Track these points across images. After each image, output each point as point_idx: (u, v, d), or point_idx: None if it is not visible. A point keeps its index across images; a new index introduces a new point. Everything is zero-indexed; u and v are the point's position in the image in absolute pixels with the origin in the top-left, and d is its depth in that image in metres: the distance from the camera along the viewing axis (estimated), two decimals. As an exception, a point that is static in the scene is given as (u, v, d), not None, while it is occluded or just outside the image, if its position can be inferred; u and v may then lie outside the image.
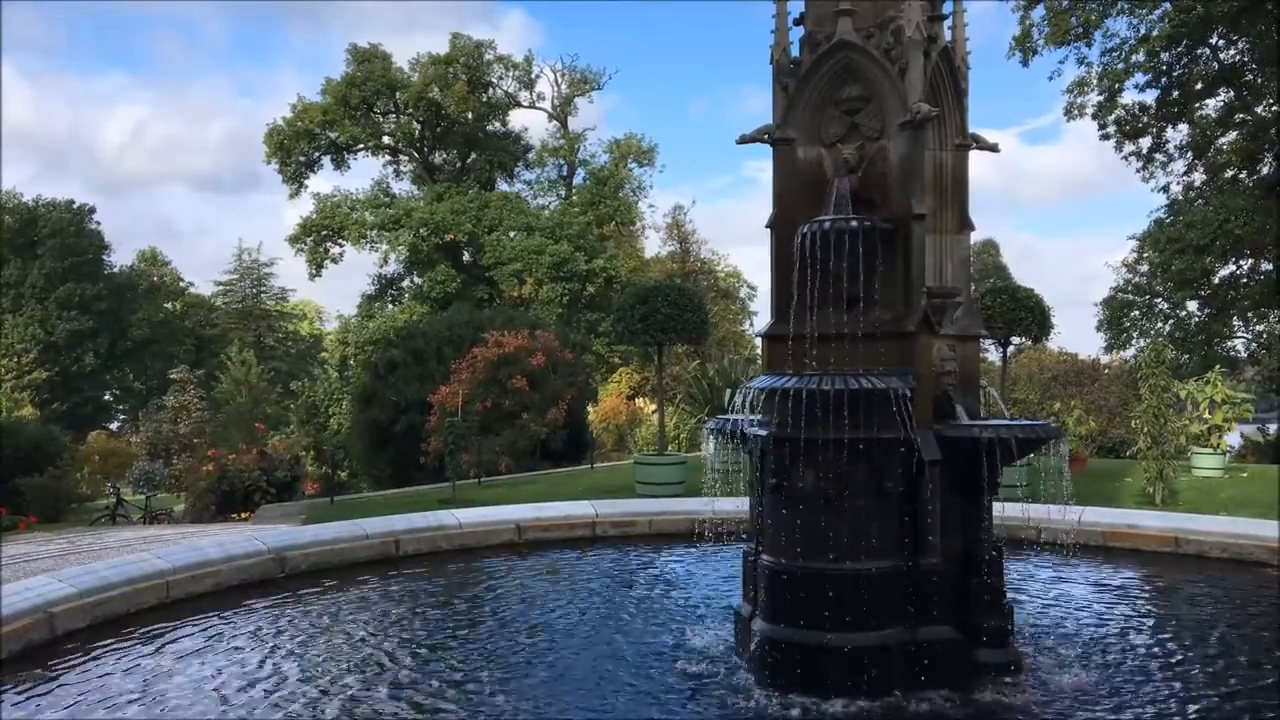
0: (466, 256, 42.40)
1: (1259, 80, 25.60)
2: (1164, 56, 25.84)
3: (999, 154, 6.34)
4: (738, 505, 6.87)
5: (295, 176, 44.27)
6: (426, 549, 9.69)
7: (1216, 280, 26.68)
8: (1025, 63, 26.69)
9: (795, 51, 6.01)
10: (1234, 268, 26.87)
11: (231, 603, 7.61)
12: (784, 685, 5.37)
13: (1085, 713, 5.20)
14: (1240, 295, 27.36)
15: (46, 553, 10.96)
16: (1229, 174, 28.10)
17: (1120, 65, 25.92)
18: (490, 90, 44.27)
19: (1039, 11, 26.30)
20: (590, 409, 28.84)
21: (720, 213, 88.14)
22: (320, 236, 43.24)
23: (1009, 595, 5.95)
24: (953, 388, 5.75)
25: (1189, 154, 28.69)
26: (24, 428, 25.33)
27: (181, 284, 62.22)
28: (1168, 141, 28.86)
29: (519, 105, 45.60)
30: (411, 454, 20.78)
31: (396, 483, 21.38)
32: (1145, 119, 28.17)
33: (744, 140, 6.11)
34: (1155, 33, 24.59)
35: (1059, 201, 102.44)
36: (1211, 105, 27.66)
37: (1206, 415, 17.83)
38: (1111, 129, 28.12)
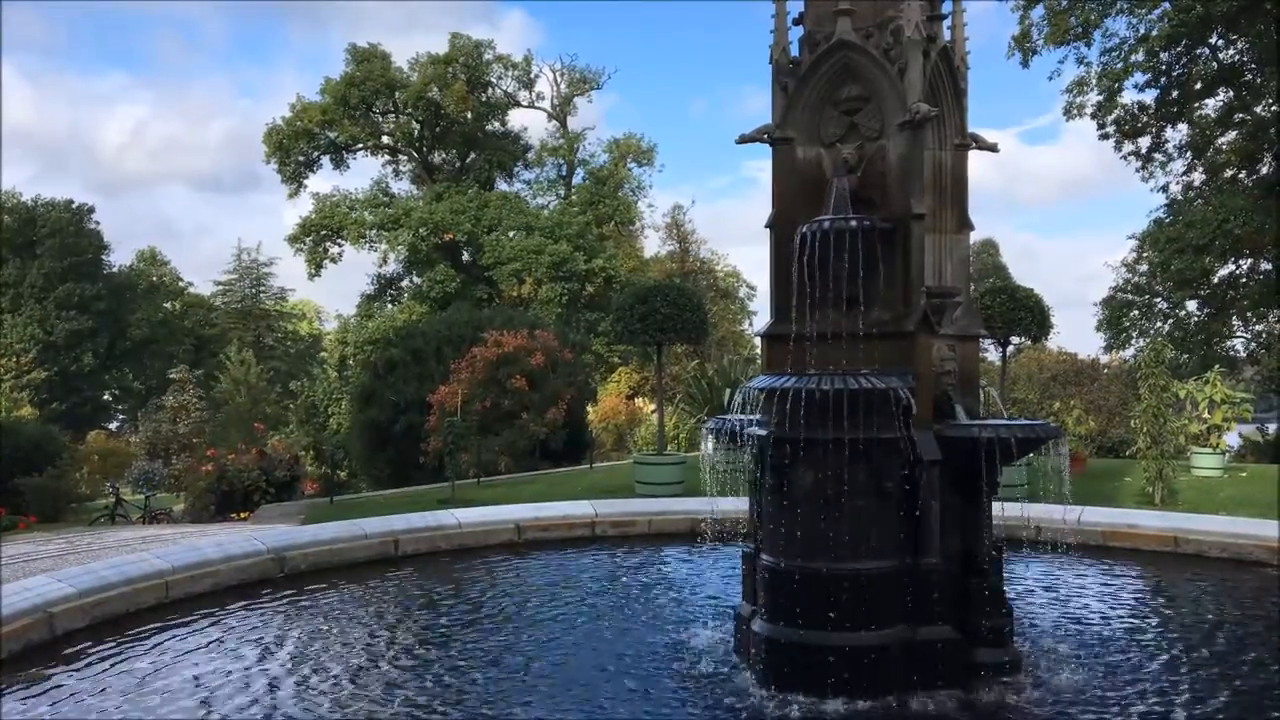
0: (466, 256, 42.37)
1: (1258, 80, 25.58)
2: (1163, 56, 25.83)
3: (998, 154, 6.34)
4: (738, 505, 6.87)
5: (294, 176, 44.26)
6: (426, 549, 9.70)
7: (1216, 280, 26.69)
8: (1025, 63, 26.66)
9: (795, 51, 6.01)
10: (1233, 267, 26.90)
11: (230, 603, 7.62)
12: (784, 685, 5.37)
13: (1085, 713, 5.20)
14: (1240, 295, 27.37)
15: (46, 553, 10.95)
16: (1228, 174, 28.10)
17: (1119, 65, 25.88)
18: (489, 90, 44.26)
19: (1038, 11, 26.27)
20: (590, 409, 28.81)
21: (720, 213, 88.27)
22: (319, 236, 43.20)
23: (1008, 595, 5.94)
24: (952, 387, 5.75)
25: (1188, 154, 28.69)
26: (23, 427, 25.26)
27: (181, 284, 62.25)
28: (1167, 141, 28.90)
29: (518, 105, 45.64)
30: (411, 454, 20.75)
31: (396, 483, 21.37)
32: (1144, 119, 28.15)
33: (743, 140, 6.11)
34: (1154, 32, 24.57)
35: (1058, 201, 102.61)
36: (1211, 105, 27.69)
37: (1206, 415, 17.83)
38: (1111, 129, 28.10)
